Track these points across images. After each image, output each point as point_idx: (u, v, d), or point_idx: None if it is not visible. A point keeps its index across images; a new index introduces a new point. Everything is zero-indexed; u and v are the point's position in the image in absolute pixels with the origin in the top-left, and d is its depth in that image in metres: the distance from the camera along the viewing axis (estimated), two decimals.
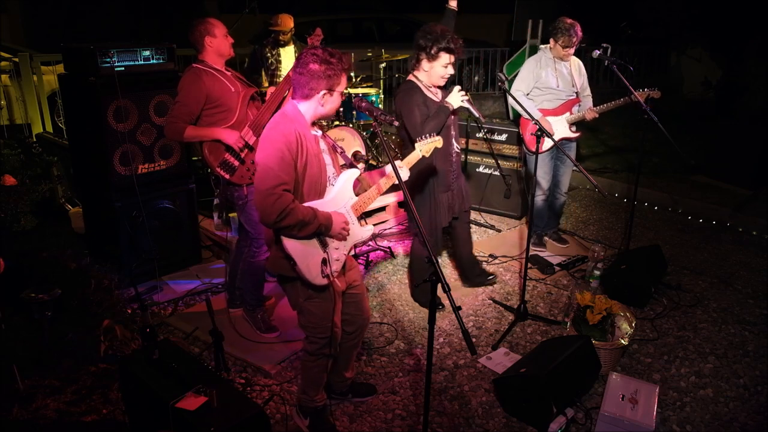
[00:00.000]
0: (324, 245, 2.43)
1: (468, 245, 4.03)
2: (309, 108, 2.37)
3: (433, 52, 3.29)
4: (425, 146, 2.69)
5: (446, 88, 3.53)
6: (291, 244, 2.35)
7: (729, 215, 5.49)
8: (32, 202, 3.75)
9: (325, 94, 2.33)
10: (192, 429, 2.23)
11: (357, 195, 2.57)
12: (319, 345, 2.59)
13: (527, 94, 4.38)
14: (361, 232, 2.57)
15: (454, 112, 3.39)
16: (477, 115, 3.31)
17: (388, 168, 2.60)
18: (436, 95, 3.45)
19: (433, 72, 3.34)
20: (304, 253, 2.38)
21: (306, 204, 2.35)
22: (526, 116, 4.28)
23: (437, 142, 2.72)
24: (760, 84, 7.38)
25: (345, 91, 2.43)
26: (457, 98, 3.25)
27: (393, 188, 2.96)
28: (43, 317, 3.02)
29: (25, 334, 3.02)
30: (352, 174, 2.53)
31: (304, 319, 2.57)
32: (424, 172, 3.47)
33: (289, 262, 2.38)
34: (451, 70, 3.34)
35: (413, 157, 2.69)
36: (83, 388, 3.00)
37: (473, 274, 4.12)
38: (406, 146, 3.54)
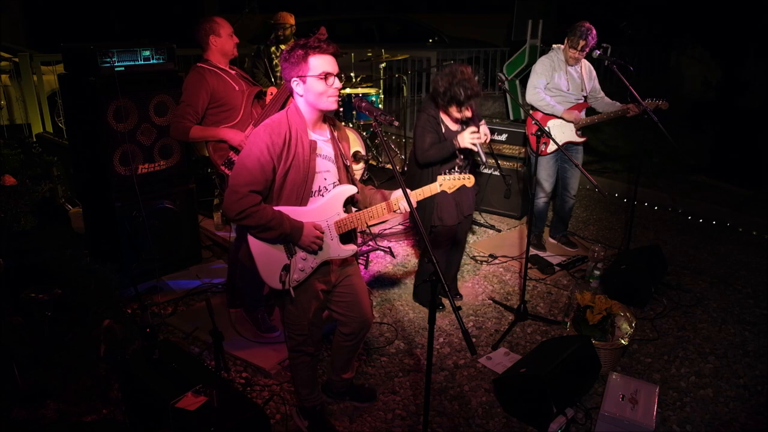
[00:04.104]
0: (291, 253, 2.35)
1: (458, 255, 3.94)
2: (300, 103, 2.28)
3: (443, 101, 3.30)
4: (448, 182, 2.49)
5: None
6: (255, 242, 2.32)
7: (729, 215, 5.49)
8: (32, 202, 3.74)
9: (297, 82, 2.22)
10: (192, 429, 2.23)
11: (358, 208, 2.50)
12: (297, 342, 2.56)
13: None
14: (339, 249, 2.43)
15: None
16: (483, 159, 3.25)
17: (394, 194, 2.46)
18: (455, 123, 3.44)
19: (448, 113, 3.38)
20: (265, 254, 2.34)
21: (280, 208, 2.27)
22: (548, 112, 4.31)
23: (468, 180, 2.54)
24: (760, 84, 7.38)
25: (329, 76, 2.21)
26: (467, 139, 3.21)
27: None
28: (43, 317, 3.02)
29: (25, 334, 3.01)
30: (346, 190, 2.40)
31: (282, 314, 2.56)
32: (430, 169, 3.46)
33: (249, 258, 2.35)
34: (465, 114, 3.32)
35: (429, 190, 2.50)
36: (83, 388, 3.00)
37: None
38: (411, 168, 3.56)
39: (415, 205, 2.27)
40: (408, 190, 2.32)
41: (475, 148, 3.23)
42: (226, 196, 2.21)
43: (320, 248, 2.38)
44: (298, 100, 2.28)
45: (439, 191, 2.53)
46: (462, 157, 3.46)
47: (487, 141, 3.33)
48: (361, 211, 2.44)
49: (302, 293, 2.45)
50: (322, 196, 2.37)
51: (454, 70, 3.23)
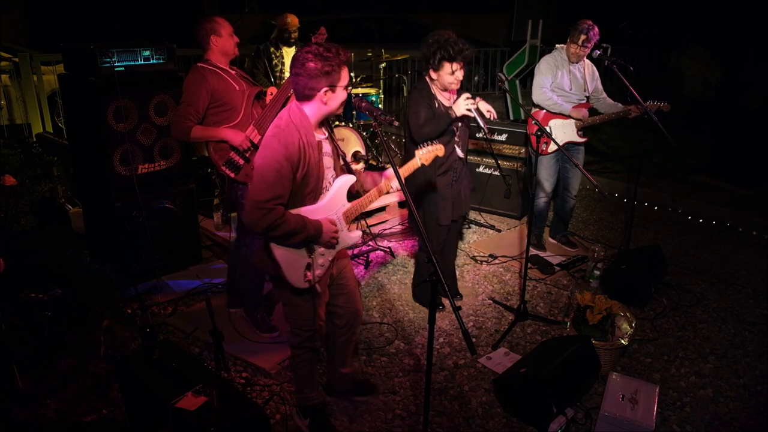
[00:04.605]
0: (311, 251, 2.40)
1: (451, 254, 3.98)
2: (313, 109, 2.30)
3: (434, 62, 3.27)
4: (425, 154, 2.59)
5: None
6: (278, 250, 2.34)
7: (729, 215, 5.49)
8: (32, 202, 3.74)
9: (326, 91, 2.25)
10: (192, 429, 2.23)
11: (357, 195, 2.55)
12: (303, 338, 2.59)
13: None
14: (349, 238, 2.52)
15: (461, 119, 3.36)
16: (482, 125, 3.23)
17: (385, 176, 2.56)
18: (448, 99, 3.42)
19: (441, 80, 3.32)
20: (289, 258, 2.36)
21: (298, 210, 2.31)
22: (556, 111, 4.31)
23: (438, 150, 2.62)
24: (760, 84, 7.38)
25: (349, 85, 2.34)
26: (462, 105, 3.20)
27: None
28: (43, 317, 3.02)
29: (25, 334, 3.01)
30: (348, 180, 2.47)
31: (289, 311, 2.57)
32: (425, 173, 3.45)
33: (274, 265, 2.37)
34: (458, 76, 3.29)
35: (411, 166, 2.60)
36: (83, 388, 3.00)
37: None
38: (408, 149, 3.52)
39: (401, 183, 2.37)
40: (398, 168, 2.41)
41: (472, 114, 3.21)
42: (250, 213, 2.21)
43: (338, 241, 2.45)
44: (313, 106, 2.29)
45: (419, 165, 2.60)
46: (460, 129, 3.44)
47: (493, 117, 3.31)
48: (361, 198, 2.51)
49: (309, 293, 2.48)
50: (327, 190, 2.44)
51: (438, 33, 3.26)
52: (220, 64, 3.24)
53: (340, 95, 2.30)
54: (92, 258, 3.66)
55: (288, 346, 3.34)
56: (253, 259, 2.55)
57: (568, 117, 4.33)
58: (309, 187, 2.33)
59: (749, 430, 2.88)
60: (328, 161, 2.42)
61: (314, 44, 2.26)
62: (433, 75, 3.34)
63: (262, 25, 7.60)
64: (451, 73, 3.26)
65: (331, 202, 2.43)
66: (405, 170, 2.58)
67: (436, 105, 3.36)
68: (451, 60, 3.22)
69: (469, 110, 3.20)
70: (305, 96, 2.27)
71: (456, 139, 3.45)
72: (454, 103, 3.28)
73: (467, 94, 3.24)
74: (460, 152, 3.51)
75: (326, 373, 3.01)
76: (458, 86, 3.37)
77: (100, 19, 11.54)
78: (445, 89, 3.39)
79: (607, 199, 6.09)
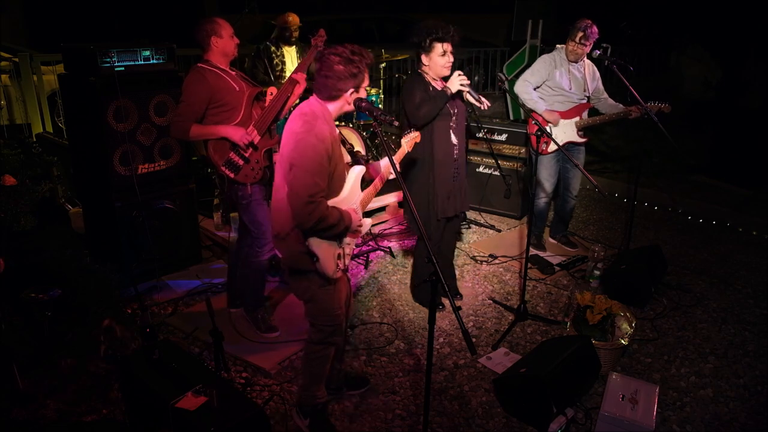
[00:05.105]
0: (340, 241, 2.51)
1: (450, 253, 3.98)
2: (336, 107, 2.44)
3: (426, 44, 3.34)
4: (408, 141, 2.84)
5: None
6: (316, 243, 2.42)
7: (729, 215, 5.49)
8: (32, 202, 3.74)
9: (352, 92, 2.40)
10: (192, 429, 2.24)
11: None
12: (326, 333, 2.64)
13: (535, 89, 4.36)
14: (366, 226, 2.66)
15: (455, 97, 3.40)
16: (474, 101, 3.33)
17: (382, 163, 2.71)
18: (441, 88, 3.44)
19: (434, 64, 3.37)
20: (325, 250, 2.45)
21: (329, 204, 2.40)
22: (530, 107, 4.31)
23: (416, 137, 2.89)
24: (760, 84, 7.38)
25: (369, 85, 2.50)
26: (456, 82, 3.29)
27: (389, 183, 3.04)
28: (43, 317, 3.02)
29: (25, 334, 3.01)
30: (361, 171, 2.59)
31: (314, 307, 2.60)
32: (423, 162, 3.47)
33: (312, 258, 2.43)
34: (449, 58, 3.36)
35: (400, 153, 2.84)
36: (83, 388, 3.00)
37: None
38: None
39: (399, 168, 2.48)
40: (393, 157, 2.53)
41: (466, 89, 3.31)
42: (301, 210, 2.28)
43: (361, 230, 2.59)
44: (337, 105, 2.43)
45: (406, 151, 2.86)
46: (457, 115, 3.49)
47: (487, 105, 3.40)
48: (369, 187, 2.66)
49: (337, 285, 2.60)
50: (344, 182, 2.55)
51: (426, 21, 3.38)
52: (220, 64, 3.24)
53: (362, 95, 2.46)
54: (92, 258, 3.66)
55: (288, 346, 3.37)
56: (283, 260, 2.59)
57: (570, 117, 4.33)
58: (337, 180, 2.44)
59: (749, 430, 2.88)
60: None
61: (340, 46, 2.37)
62: (426, 60, 3.40)
63: (262, 25, 7.59)
64: (442, 54, 3.33)
65: (351, 193, 2.55)
66: (396, 158, 2.75)
67: (431, 90, 3.40)
68: (441, 40, 3.31)
69: (463, 86, 3.29)
70: (331, 96, 2.40)
71: (452, 124, 3.48)
72: (448, 82, 3.36)
73: (458, 72, 3.32)
74: (455, 139, 3.52)
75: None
76: (449, 72, 3.43)
77: (100, 19, 11.53)
78: (438, 76, 3.43)
79: (607, 199, 6.09)
